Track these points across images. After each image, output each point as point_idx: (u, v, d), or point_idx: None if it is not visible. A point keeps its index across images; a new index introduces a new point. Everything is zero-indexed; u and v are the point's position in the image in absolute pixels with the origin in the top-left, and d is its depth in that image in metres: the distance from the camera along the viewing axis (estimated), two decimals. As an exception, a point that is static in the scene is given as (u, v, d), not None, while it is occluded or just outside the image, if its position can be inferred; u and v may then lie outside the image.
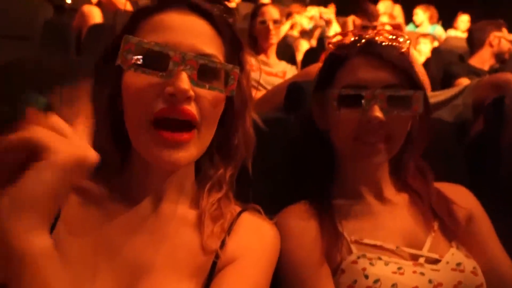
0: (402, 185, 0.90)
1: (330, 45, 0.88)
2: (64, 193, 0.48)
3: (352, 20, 2.32)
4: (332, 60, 0.88)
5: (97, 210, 0.64)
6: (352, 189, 0.88)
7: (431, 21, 5.27)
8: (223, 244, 0.65)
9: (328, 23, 4.03)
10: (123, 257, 0.61)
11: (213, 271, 0.63)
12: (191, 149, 0.61)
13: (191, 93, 0.58)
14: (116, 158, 0.67)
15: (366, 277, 0.73)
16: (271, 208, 0.79)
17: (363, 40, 0.84)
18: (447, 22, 5.50)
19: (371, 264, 0.75)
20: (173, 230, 0.65)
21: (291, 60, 2.76)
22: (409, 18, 5.41)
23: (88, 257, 0.59)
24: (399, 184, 0.91)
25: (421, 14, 5.27)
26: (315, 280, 0.74)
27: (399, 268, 0.75)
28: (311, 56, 2.70)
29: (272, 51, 2.35)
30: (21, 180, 0.44)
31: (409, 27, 5.35)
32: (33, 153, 0.45)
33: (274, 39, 2.31)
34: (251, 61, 0.76)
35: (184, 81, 0.57)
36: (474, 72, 2.50)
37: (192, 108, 0.59)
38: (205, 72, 0.61)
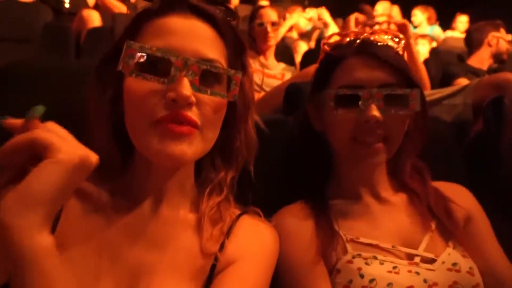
0: (400, 185, 0.90)
1: (326, 46, 0.88)
2: (68, 192, 0.48)
3: (354, 18, 2.32)
4: (328, 61, 0.88)
5: (98, 213, 0.64)
6: (349, 189, 0.88)
7: (430, 22, 5.27)
8: (222, 247, 0.65)
9: (325, 25, 4.04)
10: (123, 260, 0.61)
11: (212, 274, 0.63)
12: (194, 144, 0.60)
13: (193, 99, 0.58)
14: (118, 160, 0.67)
15: (362, 276, 0.73)
16: (270, 209, 0.79)
17: (358, 41, 0.84)
18: (446, 23, 5.51)
19: (367, 263, 0.75)
20: (172, 233, 0.66)
21: (290, 61, 2.76)
22: (407, 19, 5.41)
23: (91, 260, 0.59)
24: (397, 184, 0.91)
25: (419, 15, 5.27)
26: (311, 280, 0.74)
27: (394, 268, 0.75)
28: (309, 57, 2.70)
29: (271, 53, 2.35)
30: (25, 179, 0.44)
31: (408, 28, 5.34)
32: (37, 154, 0.46)
33: (273, 41, 2.31)
34: (252, 64, 0.76)
35: (186, 87, 0.57)
36: (472, 72, 2.51)
37: (193, 113, 0.59)
38: (207, 77, 0.61)
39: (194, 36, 0.62)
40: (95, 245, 0.61)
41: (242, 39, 0.71)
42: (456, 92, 1.85)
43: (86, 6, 3.19)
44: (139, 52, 0.58)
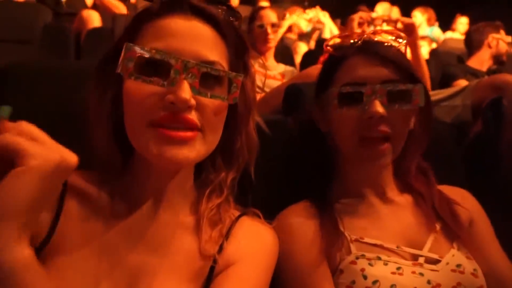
0: (405, 187, 0.90)
1: (328, 47, 0.89)
2: (45, 198, 0.46)
3: (359, 17, 2.32)
4: (331, 62, 0.89)
5: (98, 215, 0.64)
6: (354, 189, 0.88)
7: (429, 23, 5.28)
8: (221, 249, 0.65)
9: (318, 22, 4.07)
10: (123, 262, 0.61)
11: (211, 276, 0.63)
12: (195, 148, 0.60)
13: (192, 102, 0.57)
14: (118, 161, 0.66)
15: (365, 277, 0.73)
16: (270, 210, 0.79)
17: (359, 42, 0.85)
18: (445, 24, 5.52)
19: (370, 264, 0.74)
20: (172, 235, 0.65)
21: (290, 62, 2.76)
22: (407, 20, 5.41)
23: (91, 262, 0.59)
24: (402, 186, 0.91)
25: (419, 16, 5.28)
26: (314, 280, 0.74)
27: (398, 268, 0.74)
28: (309, 58, 2.70)
29: (270, 54, 2.35)
30: None
31: (407, 29, 5.35)
32: (8, 161, 0.43)
33: (272, 43, 2.32)
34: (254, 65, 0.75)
35: (185, 90, 0.56)
36: (472, 73, 2.51)
37: (193, 116, 0.59)
38: (207, 80, 0.60)
39: (195, 38, 0.61)
40: (95, 247, 0.61)
41: (245, 39, 0.71)
42: (456, 94, 1.86)
43: (84, 6, 3.18)
44: (138, 54, 0.58)
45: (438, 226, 0.83)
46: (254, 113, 0.74)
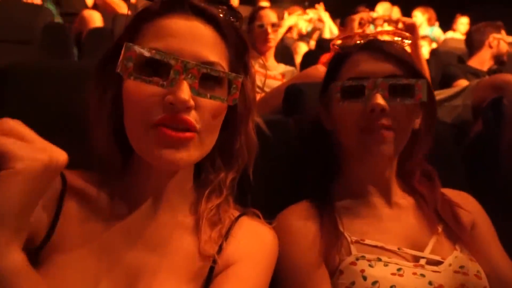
0: (408, 189, 0.90)
1: (335, 46, 0.90)
2: (34, 201, 0.45)
3: (360, 17, 2.32)
4: (336, 59, 0.90)
5: (97, 215, 0.64)
6: (357, 189, 0.88)
7: (430, 23, 5.28)
8: (220, 249, 0.65)
9: (319, 20, 4.07)
10: (122, 262, 0.61)
11: (211, 276, 0.63)
12: (192, 150, 0.60)
13: (191, 103, 0.57)
14: (118, 161, 0.66)
15: (365, 278, 0.73)
16: (269, 210, 0.79)
17: (362, 41, 0.86)
18: (446, 24, 5.52)
19: (370, 265, 0.74)
20: (171, 236, 0.65)
21: (290, 62, 2.76)
22: (408, 20, 5.41)
23: (90, 262, 0.59)
24: (405, 188, 0.91)
25: (419, 16, 5.28)
26: (312, 281, 0.74)
27: (399, 270, 0.74)
28: (310, 58, 2.70)
29: (271, 54, 2.35)
30: None
31: (408, 29, 5.35)
32: None
33: (273, 43, 2.32)
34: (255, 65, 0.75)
35: (185, 91, 0.56)
36: (473, 73, 2.51)
37: (192, 117, 0.59)
38: (207, 80, 0.60)
39: (195, 38, 0.61)
40: (94, 247, 0.61)
41: (245, 40, 0.70)
42: (456, 94, 1.86)
43: (84, 6, 3.18)
44: (137, 54, 0.57)
45: (440, 228, 0.83)
46: (254, 113, 0.74)
